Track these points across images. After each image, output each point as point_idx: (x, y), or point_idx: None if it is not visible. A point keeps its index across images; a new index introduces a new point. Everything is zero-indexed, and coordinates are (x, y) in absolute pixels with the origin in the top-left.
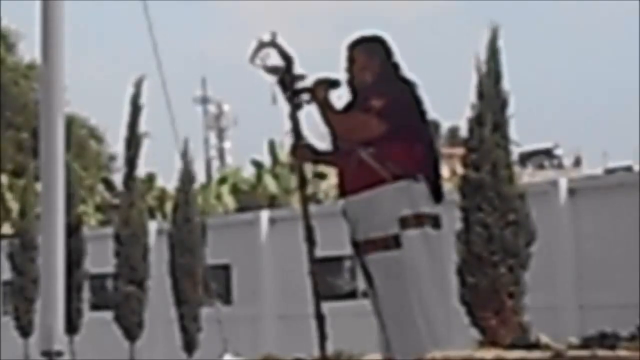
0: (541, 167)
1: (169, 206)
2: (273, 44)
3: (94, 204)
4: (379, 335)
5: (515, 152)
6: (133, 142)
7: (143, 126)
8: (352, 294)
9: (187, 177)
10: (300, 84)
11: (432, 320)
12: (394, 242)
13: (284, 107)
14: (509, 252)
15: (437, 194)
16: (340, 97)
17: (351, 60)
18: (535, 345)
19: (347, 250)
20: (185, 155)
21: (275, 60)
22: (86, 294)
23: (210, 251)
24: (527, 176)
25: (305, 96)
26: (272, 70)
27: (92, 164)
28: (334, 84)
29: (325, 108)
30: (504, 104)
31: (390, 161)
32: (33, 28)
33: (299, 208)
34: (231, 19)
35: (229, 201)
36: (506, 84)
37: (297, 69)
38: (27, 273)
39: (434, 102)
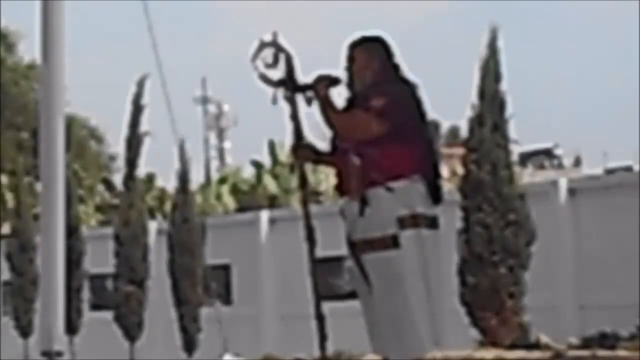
0: (541, 167)
1: (169, 206)
2: (274, 44)
3: (94, 204)
4: (369, 335)
5: (516, 152)
6: (134, 141)
7: (144, 126)
8: (352, 294)
9: (184, 177)
10: (301, 83)
11: (416, 320)
12: (392, 242)
13: (285, 107)
14: (510, 252)
15: (436, 196)
16: (340, 94)
17: (351, 59)
18: (535, 345)
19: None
20: (182, 155)
21: (274, 68)
22: (86, 294)
23: (210, 251)
24: (527, 176)
25: (308, 94)
26: (271, 66)
27: (92, 164)
28: (334, 81)
29: (326, 105)
30: (503, 104)
31: (389, 161)
32: (33, 28)
33: (299, 208)
34: (231, 19)
35: (229, 201)
36: (506, 84)
37: (298, 69)
38: (25, 273)
39: (434, 101)
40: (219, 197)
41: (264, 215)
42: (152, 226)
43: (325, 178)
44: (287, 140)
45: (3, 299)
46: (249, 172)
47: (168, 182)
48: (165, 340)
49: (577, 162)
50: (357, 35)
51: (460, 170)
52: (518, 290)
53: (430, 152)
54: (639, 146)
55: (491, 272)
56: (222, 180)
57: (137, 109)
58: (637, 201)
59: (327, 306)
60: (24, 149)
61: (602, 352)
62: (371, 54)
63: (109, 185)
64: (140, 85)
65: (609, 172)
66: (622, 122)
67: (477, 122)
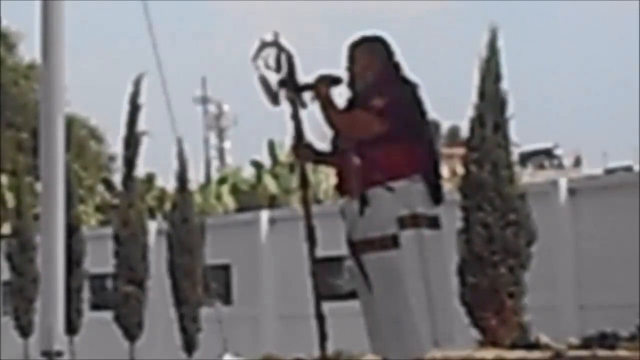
0: (541, 167)
1: (168, 206)
2: (275, 43)
3: (94, 204)
4: (369, 335)
5: (516, 152)
6: (132, 141)
7: (143, 126)
8: (352, 294)
9: (182, 176)
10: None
11: (415, 321)
12: (392, 242)
13: (285, 107)
14: (510, 252)
15: (436, 195)
16: (341, 94)
17: (352, 60)
18: (535, 345)
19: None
20: (180, 154)
21: (278, 73)
22: (86, 294)
23: (210, 251)
24: (527, 176)
25: (308, 95)
26: (272, 68)
27: (92, 164)
28: (335, 81)
29: (327, 105)
30: (504, 104)
31: (390, 161)
32: (33, 28)
33: (299, 208)
34: (231, 19)
35: (229, 201)
36: (507, 84)
37: (299, 69)
38: (26, 273)
39: (434, 101)
40: (218, 197)
41: (264, 215)
42: (152, 226)
43: (325, 178)
44: (287, 140)
45: (3, 299)
46: (249, 172)
47: (168, 182)
48: (165, 340)
49: (577, 162)
50: (357, 35)
51: (460, 170)
52: (518, 290)
53: (430, 152)
54: (639, 146)
55: (491, 272)
56: (222, 180)
57: (135, 108)
58: (637, 201)
59: (327, 306)
60: (24, 149)
61: (602, 352)
62: (372, 54)
63: (108, 185)
64: (137, 84)
65: (609, 172)
66: (622, 122)
67: (478, 122)
